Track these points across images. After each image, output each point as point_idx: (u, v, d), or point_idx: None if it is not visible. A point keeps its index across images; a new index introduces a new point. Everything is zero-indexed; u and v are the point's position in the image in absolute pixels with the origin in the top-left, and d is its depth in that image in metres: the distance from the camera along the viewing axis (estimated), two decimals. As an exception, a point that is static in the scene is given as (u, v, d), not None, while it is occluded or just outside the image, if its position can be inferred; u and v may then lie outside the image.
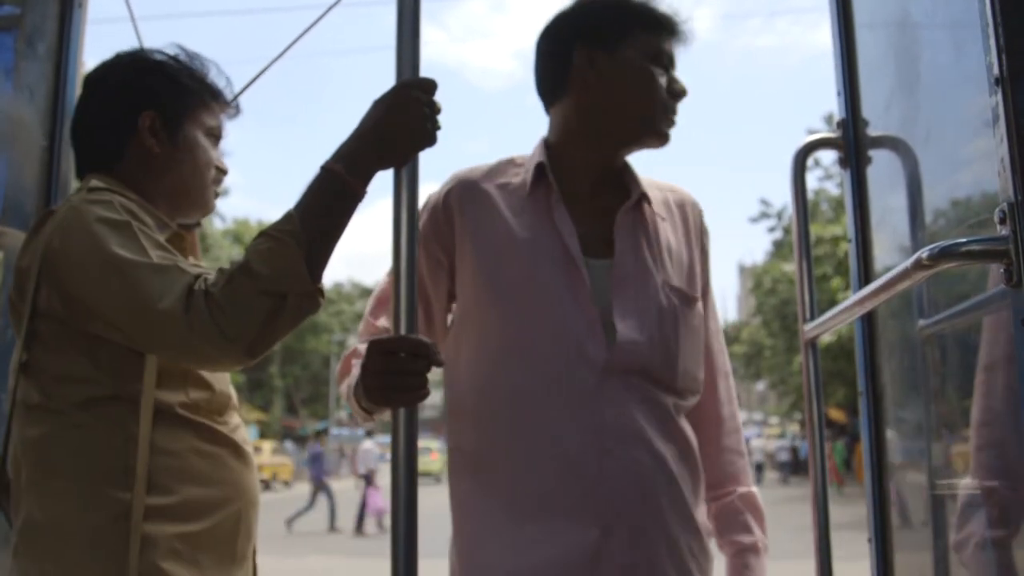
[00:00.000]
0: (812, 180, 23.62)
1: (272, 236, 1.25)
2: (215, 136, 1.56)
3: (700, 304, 1.53)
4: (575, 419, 1.38)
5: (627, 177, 1.54)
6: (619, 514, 1.35)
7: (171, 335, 1.23)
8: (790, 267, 23.04)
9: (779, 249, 26.30)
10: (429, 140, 1.31)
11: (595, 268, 1.43)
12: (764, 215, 26.11)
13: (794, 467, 28.82)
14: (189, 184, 1.51)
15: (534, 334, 1.41)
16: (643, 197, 1.50)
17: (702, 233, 1.59)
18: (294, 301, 1.23)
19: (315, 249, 1.25)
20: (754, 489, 1.54)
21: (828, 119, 22.71)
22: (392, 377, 1.24)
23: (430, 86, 1.31)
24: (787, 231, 24.64)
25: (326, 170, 1.28)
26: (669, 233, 1.53)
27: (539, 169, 1.49)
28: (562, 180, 1.49)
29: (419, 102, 1.29)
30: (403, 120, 1.28)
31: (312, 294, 1.25)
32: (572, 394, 1.38)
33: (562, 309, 1.40)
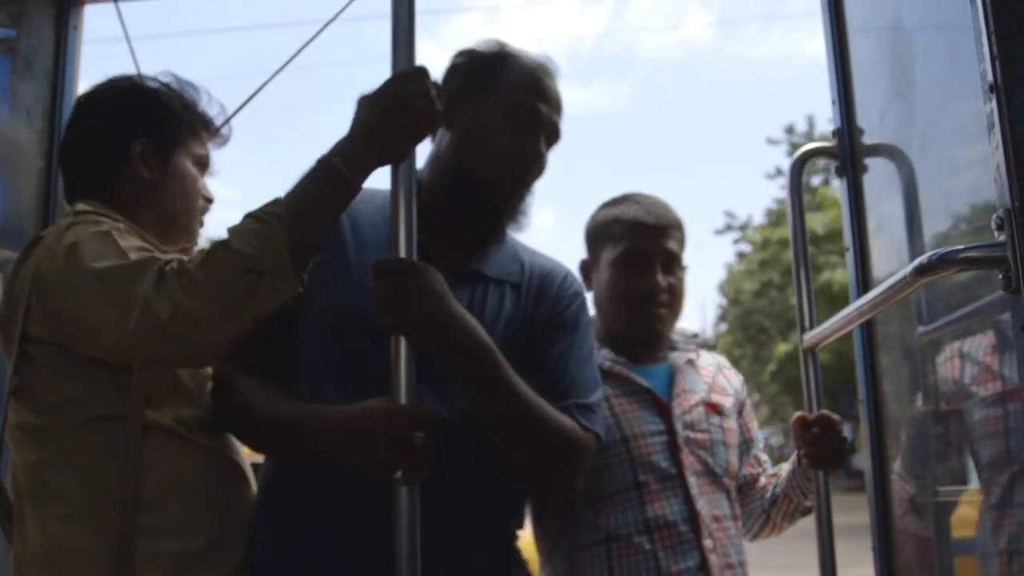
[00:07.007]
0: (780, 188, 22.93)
1: (256, 216, 1.25)
2: (203, 165, 1.56)
3: None
4: None
5: None
6: None
7: (146, 323, 1.20)
8: (749, 268, 22.55)
9: (742, 258, 25.23)
10: (431, 127, 1.35)
11: None
12: (728, 227, 25.25)
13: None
14: (177, 211, 1.51)
15: None
16: None
17: None
18: (270, 281, 1.22)
19: (299, 235, 1.25)
20: None
21: (788, 129, 22.57)
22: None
23: (423, 74, 1.29)
24: (753, 243, 23.54)
25: (324, 163, 1.29)
26: None
27: None
28: None
29: (417, 98, 1.28)
30: (404, 122, 1.28)
31: (287, 275, 1.24)
32: None
33: None
